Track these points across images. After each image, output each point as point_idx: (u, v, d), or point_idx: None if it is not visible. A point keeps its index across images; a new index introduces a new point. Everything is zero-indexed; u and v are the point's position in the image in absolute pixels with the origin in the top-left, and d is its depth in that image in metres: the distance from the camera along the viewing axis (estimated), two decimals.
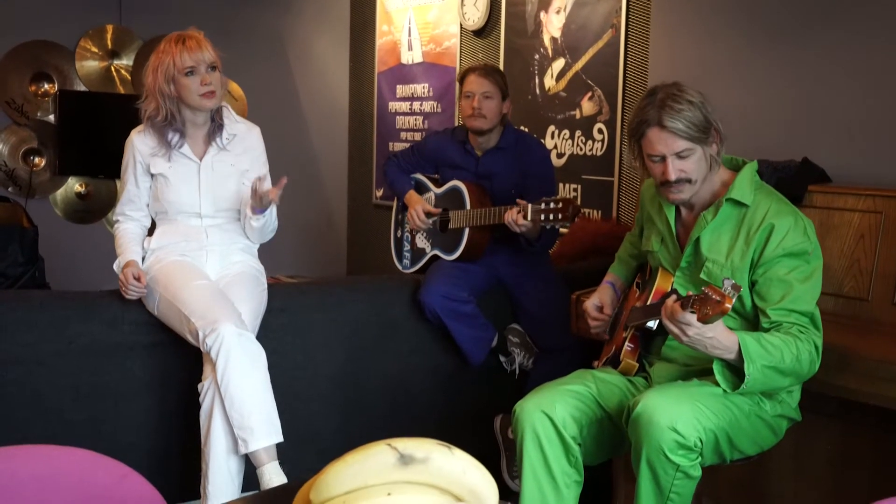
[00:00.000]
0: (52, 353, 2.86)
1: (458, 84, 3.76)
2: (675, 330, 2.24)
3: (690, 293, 2.19)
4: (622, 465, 3.14)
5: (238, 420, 2.72)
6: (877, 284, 2.89)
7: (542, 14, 4.92)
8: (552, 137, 4.90)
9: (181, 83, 2.93)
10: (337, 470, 1.07)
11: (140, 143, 3.05)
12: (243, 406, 2.72)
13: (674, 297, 2.25)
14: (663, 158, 2.43)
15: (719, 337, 2.23)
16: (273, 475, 2.72)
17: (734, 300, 2.04)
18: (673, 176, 2.43)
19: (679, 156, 2.41)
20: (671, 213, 2.60)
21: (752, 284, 2.44)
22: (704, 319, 2.12)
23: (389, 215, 4.12)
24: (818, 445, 2.86)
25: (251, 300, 2.98)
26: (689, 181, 2.45)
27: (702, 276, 2.49)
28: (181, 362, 2.99)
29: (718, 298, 2.06)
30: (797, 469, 2.92)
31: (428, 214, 3.76)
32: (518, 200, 3.25)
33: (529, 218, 3.19)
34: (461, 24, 5.53)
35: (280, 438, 2.78)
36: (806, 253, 2.40)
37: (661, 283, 2.60)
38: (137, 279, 2.90)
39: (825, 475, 2.87)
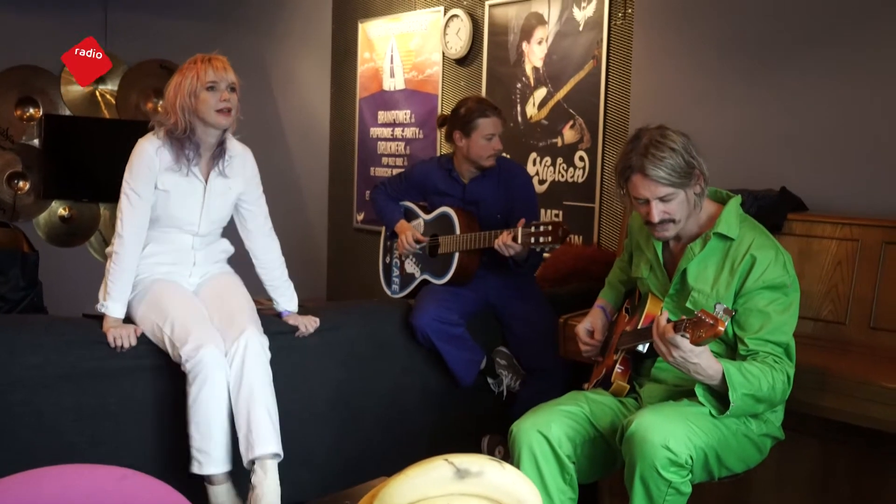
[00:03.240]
0: (57, 376, 2.90)
1: (462, 121, 3.68)
2: (663, 348, 2.36)
3: (684, 317, 2.31)
4: (607, 485, 3.24)
5: (198, 441, 2.88)
6: (854, 309, 3.02)
7: (525, 44, 5.04)
8: (534, 164, 5.01)
9: (201, 97, 2.99)
10: (399, 482, 1.16)
11: (155, 155, 3.04)
12: (208, 429, 2.87)
13: (667, 314, 2.38)
14: (647, 201, 2.55)
15: (703, 364, 2.35)
16: (222, 497, 2.90)
17: (727, 323, 2.16)
18: (656, 218, 2.55)
19: (662, 199, 2.54)
20: (658, 242, 2.72)
21: None
22: (698, 342, 2.24)
23: (370, 239, 4.20)
24: (800, 462, 2.96)
25: (242, 294, 3.17)
26: (672, 221, 2.57)
27: (688, 304, 2.61)
28: (182, 385, 3.04)
29: (711, 322, 2.18)
30: (780, 485, 3.02)
31: (417, 241, 3.86)
32: (514, 227, 3.36)
33: (520, 241, 3.31)
34: (443, 53, 5.63)
35: (228, 467, 2.92)
36: (785, 286, 2.53)
37: (651, 308, 2.71)
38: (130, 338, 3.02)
39: (807, 491, 2.96)
